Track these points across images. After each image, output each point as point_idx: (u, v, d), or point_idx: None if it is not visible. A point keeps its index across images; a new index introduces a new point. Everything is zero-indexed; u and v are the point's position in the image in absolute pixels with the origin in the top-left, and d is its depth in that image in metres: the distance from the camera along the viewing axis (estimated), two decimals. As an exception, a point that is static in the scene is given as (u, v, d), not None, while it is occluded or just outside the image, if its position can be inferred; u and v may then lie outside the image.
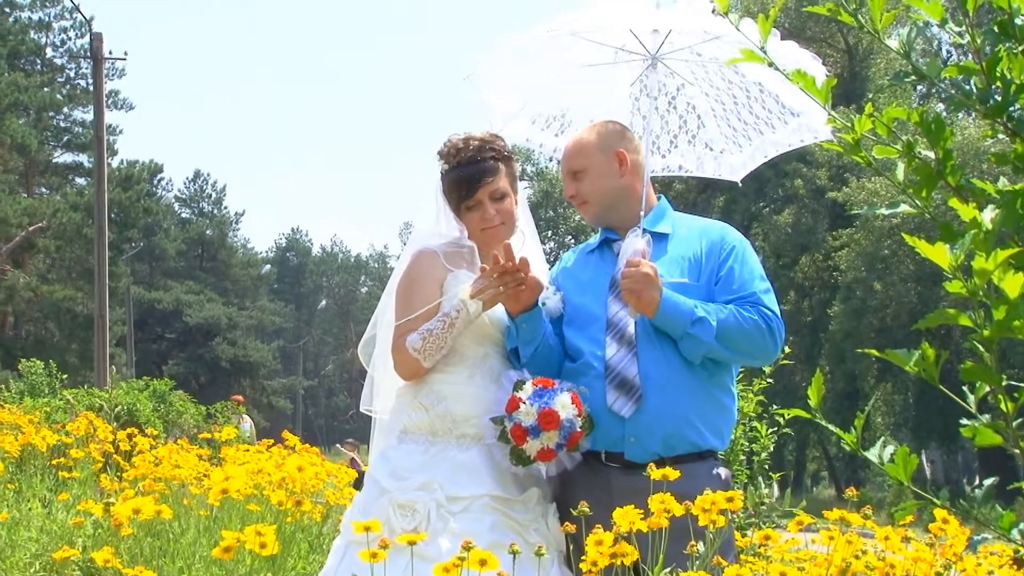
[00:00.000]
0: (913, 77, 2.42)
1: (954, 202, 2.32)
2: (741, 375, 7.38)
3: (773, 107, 5.22)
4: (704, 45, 5.11)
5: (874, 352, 2.53)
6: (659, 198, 5.05)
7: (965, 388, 2.49)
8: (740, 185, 5.53)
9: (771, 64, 2.60)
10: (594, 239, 5.13)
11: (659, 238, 4.89)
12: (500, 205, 4.87)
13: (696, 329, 4.56)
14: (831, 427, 2.74)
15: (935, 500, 2.64)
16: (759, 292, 4.71)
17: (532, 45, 5.25)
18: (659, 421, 4.66)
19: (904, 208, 2.43)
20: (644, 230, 4.83)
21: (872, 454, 2.66)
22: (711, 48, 5.12)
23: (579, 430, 4.58)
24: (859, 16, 2.44)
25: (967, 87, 2.41)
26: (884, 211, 2.40)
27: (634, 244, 4.74)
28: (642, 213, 4.87)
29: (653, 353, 4.71)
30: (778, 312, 4.71)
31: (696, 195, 55.45)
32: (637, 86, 5.28)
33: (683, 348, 4.64)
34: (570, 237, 57.88)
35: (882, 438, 2.74)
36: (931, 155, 2.40)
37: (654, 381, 4.68)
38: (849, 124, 2.46)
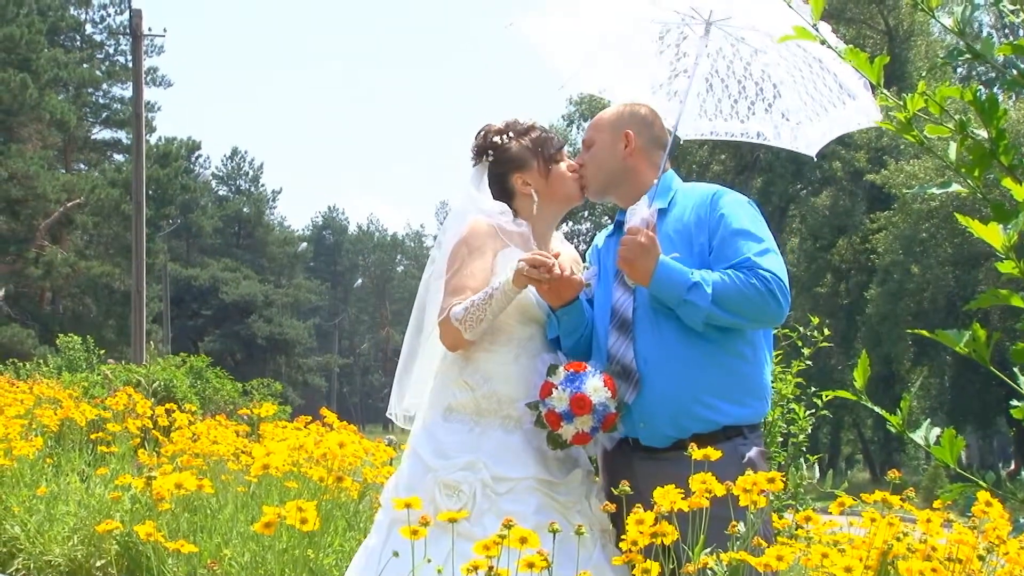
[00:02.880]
0: (966, 55, 2.40)
1: (1007, 182, 2.30)
2: (779, 356, 7.35)
3: (833, 86, 5.14)
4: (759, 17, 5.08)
5: (925, 333, 2.51)
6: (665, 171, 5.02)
7: (1016, 369, 2.46)
8: (815, 159, 5.47)
9: (823, 42, 2.58)
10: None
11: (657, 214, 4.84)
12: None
13: (692, 295, 4.48)
14: (877, 409, 2.73)
15: (982, 483, 2.62)
16: (753, 256, 4.57)
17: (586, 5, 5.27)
18: (662, 403, 4.62)
19: (955, 187, 2.40)
20: (652, 200, 4.80)
21: (918, 436, 2.64)
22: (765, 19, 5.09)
23: (613, 412, 4.57)
24: (913, -7, 2.42)
25: (1022, 66, 2.38)
26: (936, 190, 2.38)
27: (640, 213, 4.71)
28: (656, 182, 4.85)
29: (651, 335, 4.67)
30: (778, 271, 4.58)
31: (733, 176, 55.31)
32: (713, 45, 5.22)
33: (682, 316, 4.56)
34: (606, 217, 57.79)
35: (927, 420, 2.72)
36: (983, 134, 2.37)
37: (652, 364, 4.64)
38: (901, 103, 2.43)
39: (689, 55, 5.30)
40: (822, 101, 5.14)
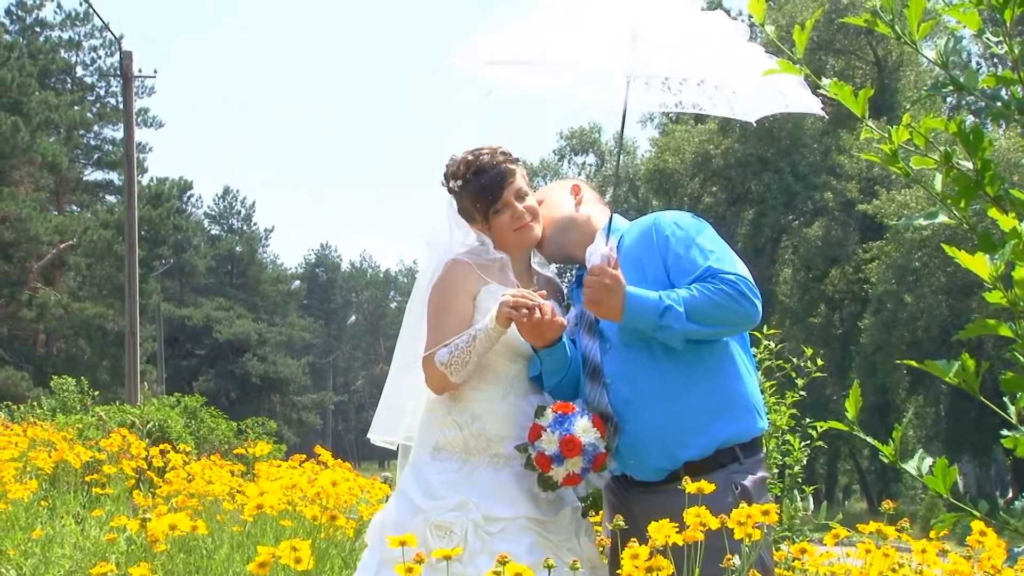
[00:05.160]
0: (950, 87, 2.41)
1: (993, 212, 2.31)
2: (773, 387, 7.34)
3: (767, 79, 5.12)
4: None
5: (914, 363, 2.51)
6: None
7: (1006, 399, 2.47)
8: (755, 125, 5.42)
9: (807, 76, 2.59)
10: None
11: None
12: (525, 203, 4.89)
13: (666, 319, 4.46)
14: (869, 439, 2.73)
15: (975, 512, 2.62)
16: (713, 264, 4.58)
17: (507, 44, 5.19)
18: (646, 439, 4.61)
19: (942, 218, 2.41)
20: (608, 234, 4.79)
21: (911, 466, 2.65)
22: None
23: (603, 451, 4.56)
24: (896, 27, 2.43)
25: (1006, 97, 2.39)
26: (922, 221, 2.39)
27: (599, 251, 4.68)
28: (611, 216, 4.87)
29: (622, 377, 4.67)
30: (742, 272, 4.58)
31: (725, 208, 55.45)
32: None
33: (662, 340, 4.55)
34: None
35: (920, 450, 2.73)
36: (969, 165, 2.38)
37: (630, 403, 4.64)
38: (886, 135, 2.44)
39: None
40: (759, 81, 5.09)
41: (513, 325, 4.59)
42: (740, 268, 4.62)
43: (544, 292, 4.66)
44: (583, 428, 4.51)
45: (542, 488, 4.60)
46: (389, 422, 5.22)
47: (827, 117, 5.32)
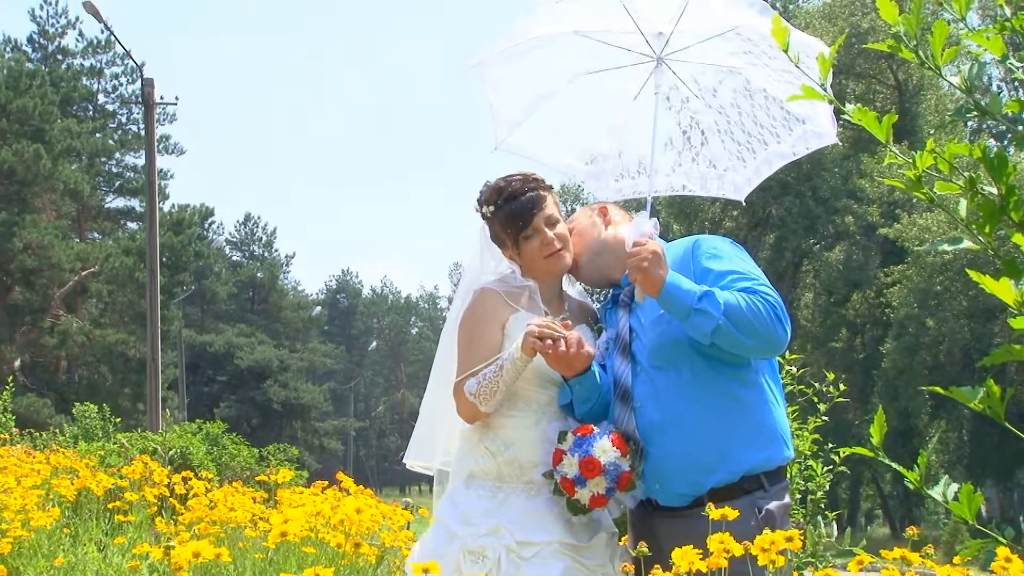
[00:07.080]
0: (974, 113, 2.40)
1: (1018, 237, 2.30)
2: (795, 412, 7.32)
3: (778, 115, 5.10)
4: (711, 45, 5.05)
5: (938, 389, 2.50)
6: None
7: (1032, 425, 2.46)
8: (744, 204, 5.48)
9: (831, 101, 2.59)
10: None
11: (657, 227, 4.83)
12: (556, 230, 4.87)
13: (704, 303, 4.41)
14: (895, 466, 2.72)
15: (1001, 538, 2.61)
16: (751, 282, 4.57)
17: (539, 42, 5.21)
18: (672, 464, 4.60)
19: (966, 244, 2.40)
20: (652, 209, 4.78)
21: (936, 492, 2.64)
22: (716, 51, 5.08)
23: (627, 470, 4.55)
24: (920, 52, 2.43)
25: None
26: (947, 247, 2.38)
27: (640, 227, 4.69)
28: (649, 203, 4.87)
29: (651, 400, 4.65)
30: (779, 299, 4.55)
31: (746, 232, 55.35)
32: (649, 98, 5.17)
33: (692, 329, 4.49)
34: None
35: (945, 476, 2.71)
36: (993, 191, 2.37)
37: (657, 427, 4.62)
38: (910, 161, 2.44)
39: (618, 114, 5.31)
40: (760, 136, 5.10)
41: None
42: (778, 296, 4.58)
43: (569, 322, 4.62)
44: (602, 448, 4.50)
45: (572, 512, 4.60)
46: (424, 447, 5.23)
47: (840, 144, 5.37)
